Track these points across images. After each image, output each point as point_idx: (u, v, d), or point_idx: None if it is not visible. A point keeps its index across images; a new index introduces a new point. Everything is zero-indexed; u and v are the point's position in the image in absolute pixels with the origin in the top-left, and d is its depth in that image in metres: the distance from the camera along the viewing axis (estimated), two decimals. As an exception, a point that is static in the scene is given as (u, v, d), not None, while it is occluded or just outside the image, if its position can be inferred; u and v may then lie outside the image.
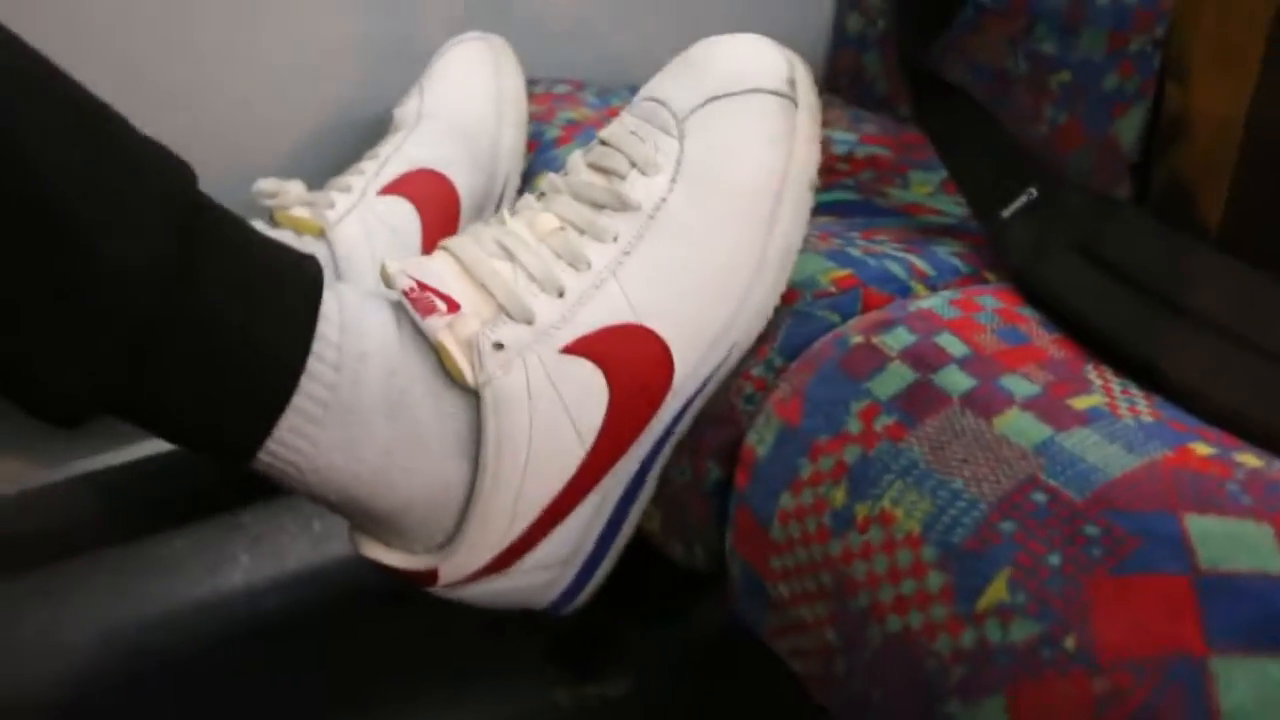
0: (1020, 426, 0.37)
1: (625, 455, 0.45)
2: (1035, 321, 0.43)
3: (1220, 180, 0.42)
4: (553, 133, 0.68)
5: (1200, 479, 0.34)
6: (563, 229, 0.44)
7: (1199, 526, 0.32)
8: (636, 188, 0.44)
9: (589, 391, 0.42)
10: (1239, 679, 0.28)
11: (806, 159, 0.46)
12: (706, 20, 0.85)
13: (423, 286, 0.42)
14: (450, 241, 0.44)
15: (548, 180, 0.46)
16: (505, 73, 0.67)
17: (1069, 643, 0.31)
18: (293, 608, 0.76)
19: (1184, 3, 0.43)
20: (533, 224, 0.44)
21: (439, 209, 0.59)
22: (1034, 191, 0.49)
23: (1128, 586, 0.31)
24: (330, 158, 0.72)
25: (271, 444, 0.40)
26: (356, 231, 0.57)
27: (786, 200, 0.45)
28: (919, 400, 0.39)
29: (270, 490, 0.47)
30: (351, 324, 0.41)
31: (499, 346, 0.41)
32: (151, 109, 0.66)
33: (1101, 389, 0.39)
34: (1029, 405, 0.38)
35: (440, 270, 0.42)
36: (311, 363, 0.40)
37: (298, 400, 0.40)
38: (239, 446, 0.41)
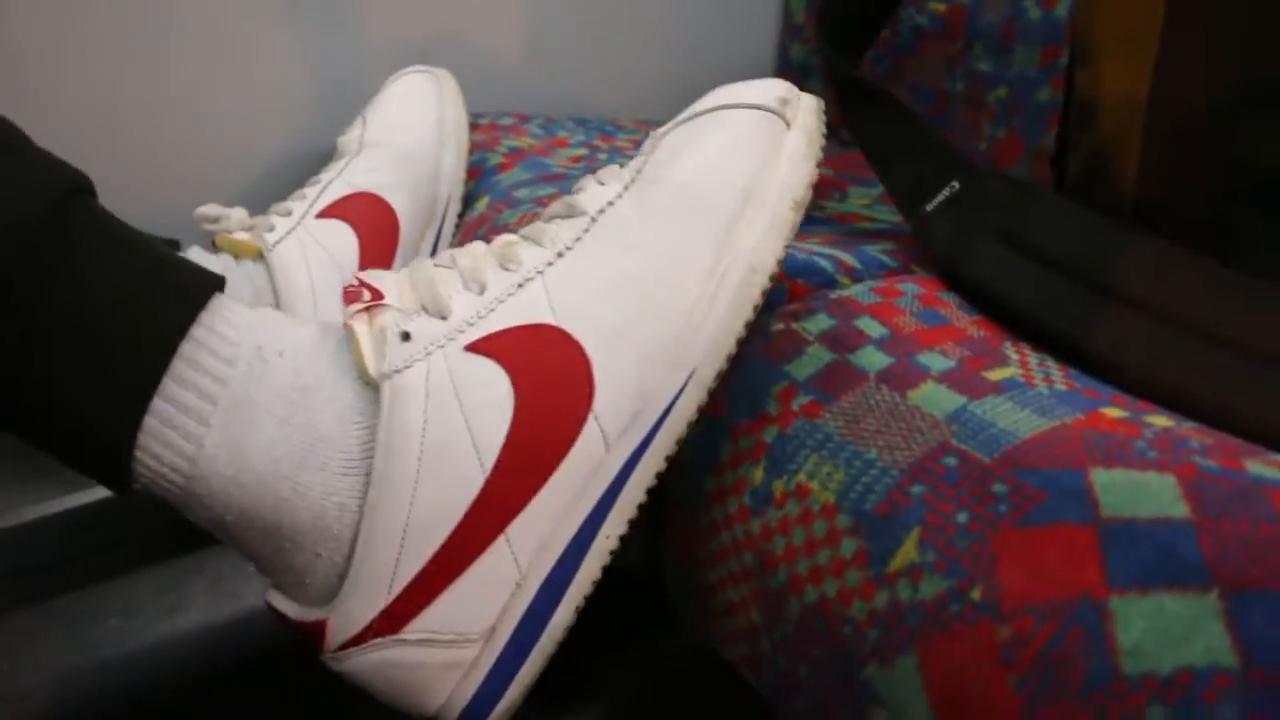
0: (934, 398, 0.37)
1: (538, 500, 0.39)
2: (955, 305, 0.44)
3: (1129, 158, 0.42)
4: (495, 159, 0.69)
5: (1109, 438, 0.34)
6: (515, 243, 0.42)
7: (1104, 478, 0.32)
8: (587, 195, 0.42)
9: (491, 396, 0.38)
10: (1136, 616, 0.28)
11: (791, 176, 0.42)
12: (653, 49, 0.88)
13: (361, 282, 0.40)
14: (414, 260, 0.43)
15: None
16: (447, 101, 0.68)
17: (975, 594, 0.31)
18: (252, 649, 0.75)
19: (1085, -11, 0.44)
20: (494, 241, 0.42)
21: (377, 231, 0.60)
22: (956, 185, 0.49)
23: (1032, 537, 0.31)
24: (281, 190, 0.73)
25: (149, 441, 0.36)
26: (294, 252, 0.57)
27: (757, 213, 0.41)
28: (835, 379, 0.39)
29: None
30: (259, 325, 0.39)
31: (406, 337, 0.38)
32: (111, 147, 0.68)
33: (1018, 362, 0.40)
34: (943, 378, 0.38)
35: (385, 275, 0.41)
36: (200, 354, 0.37)
37: (179, 393, 0.36)
38: (110, 442, 0.37)
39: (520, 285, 0.40)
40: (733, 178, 0.41)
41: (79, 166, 0.44)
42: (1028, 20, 0.75)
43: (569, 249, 0.40)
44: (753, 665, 0.39)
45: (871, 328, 0.41)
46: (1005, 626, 0.30)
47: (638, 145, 0.78)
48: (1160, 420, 0.35)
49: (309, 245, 0.57)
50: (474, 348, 0.38)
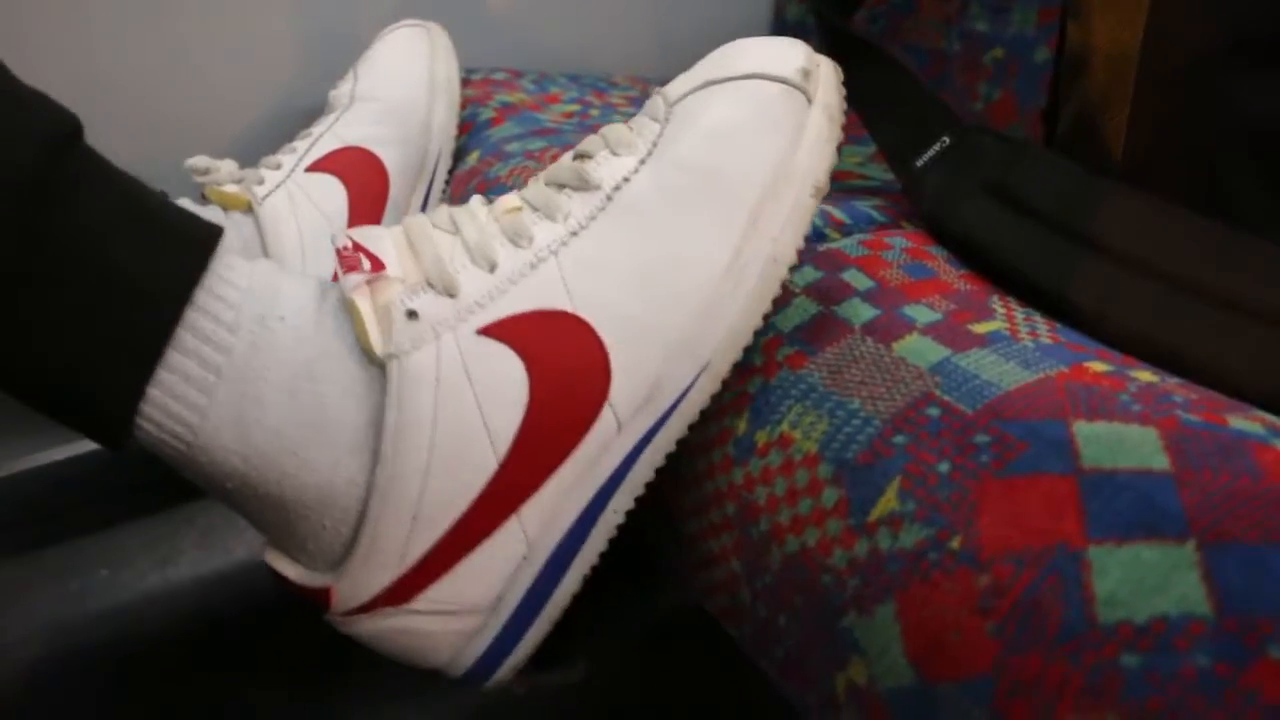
0: (919, 349, 0.37)
1: (551, 483, 0.38)
2: (943, 258, 0.44)
3: (1119, 111, 0.42)
4: (487, 114, 0.69)
5: (1092, 390, 0.34)
6: (520, 209, 0.40)
7: (1086, 430, 0.32)
8: (601, 167, 0.40)
9: (505, 384, 0.37)
10: (1113, 565, 0.28)
11: (813, 160, 0.40)
12: (648, 5, 0.87)
13: (357, 247, 0.38)
14: (410, 217, 0.41)
15: (535, 174, 0.43)
16: (439, 55, 0.67)
17: (955, 543, 0.31)
18: (243, 603, 0.76)
19: (1076, -61, 0.44)
20: (495, 204, 0.40)
21: (367, 185, 0.60)
22: (946, 139, 0.49)
23: (1012, 486, 0.31)
24: (271, 142, 0.72)
25: (151, 410, 0.36)
26: (283, 205, 0.57)
27: (779, 201, 0.39)
28: (820, 330, 0.39)
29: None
30: (259, 288, 0.37)
31: (413, 315, 0.36)
32: (104, 100, 0.67)
33: (1004, 316, 0.39)
34: (929, 330, 0.38)
35: (382, 235, 0.39)
36: (203, 321, 0.36)
37: (182, 362, 0.35)
38: (111, 409, 0.36)
39: (533, 266, 0.38)
40: (756, 164, 0.39)
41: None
42: (1026, -21, 0.74)
43: (583, 228, 0.39)
44: (733, 616, 0.39)
45: (858, 280, 0.41)
46: (984, 575, 0.30)
47: (634, 102, 0.77)
48: (1145, 375, 0.35)
49: (298, 199, 0.57)
50: (487, 331, 0.37)
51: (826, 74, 0.41)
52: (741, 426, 0.39)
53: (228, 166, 0.59)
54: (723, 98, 0.40)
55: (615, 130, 0.41)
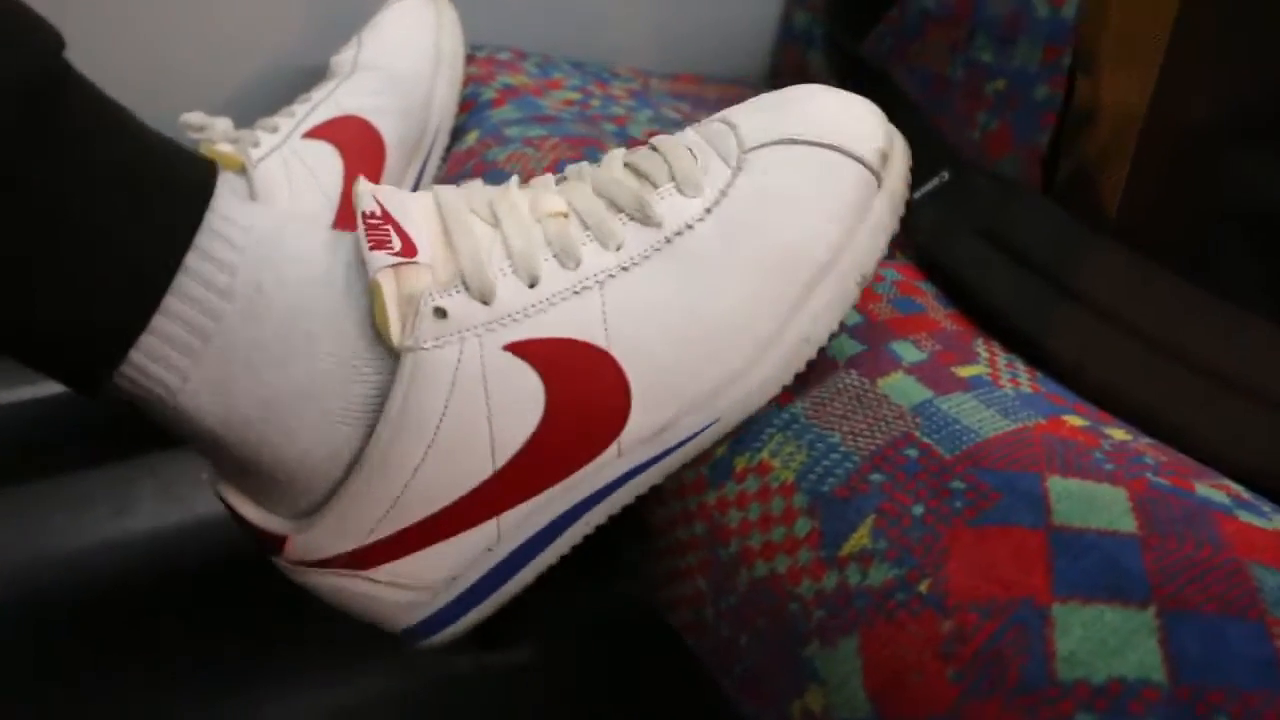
0: (902, 388, 0.38)
1: (540, 498, 0.38)
2: (932, 295, 0.44)
3: (1119, 169, 0.43)
4: (488, 94, 0.68)
5: (1068, 445, 0.35)
6: (567, 216, 0.38)
7: (1060, 486, 0.33)
8: (665, 203, 0.38)
9: (521, 402, 0.36)
10: (1075, 624, 0.29)
11: (868, 250, 0.39)
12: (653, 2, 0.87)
13: (386, 216, 0.36)
14: (440, 187, 0.39)
15: (575, 167, 0.41)
16: (445, 30, 0.67)
17: (923, 586, 0.31)
18: (200, 557, 0.75)
19: (1094, -5, 0.44)
20: (536, 200, 0.38)
21: (363, 156, 0.59)
22: (946, 175, 0.50)
23: (984, 536, 0.32)
24: (269, 103, 0.71)
25: (130, 370, 0.34)
26: (277, 170, 0.56)
27: (827, 285, 0.38)
28: (806, 366, 0.40)
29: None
30: (258, 247, 0.35)
31: (441, 314, 0.35)
32: (99, 48, 0.66)
33: (987, 360, 0.40)
34: (913, 370, 0.39)
35: (414, 208, 0.37)
36: (194, 286, 0.34)
37: (170, 327, 0.34)
38: (89, 369, 0.35)
39: (576, 292, 0.36)
40: (819, 244, 0.38)
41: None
42: (1034, 16, 0.74)
43: (635, 264, 0.37)
44: (695, 631, 0.40)
45: (847, 314, 0.42)
46: (948, 620, 0.30)
47: (635, 95, 0.77)
48: (1119, 433, 0.36)
49: (293, 165, 0.56)
50: (515, 348, 0.36)
51: (899, 157, 0.40)
52: (720, 450, 0.39)
53: (222, 124, 0.59)
54: (801, 165, 0.38)
55: (683, 162, 0.39)
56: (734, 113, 0.41)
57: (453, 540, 0.38)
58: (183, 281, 0.34)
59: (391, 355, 0.35)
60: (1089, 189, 0.44)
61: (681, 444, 0.39)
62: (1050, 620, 0.29)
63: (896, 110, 0.53)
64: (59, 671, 0.66)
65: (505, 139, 0.62)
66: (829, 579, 0.34)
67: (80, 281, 0.33)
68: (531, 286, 0.36)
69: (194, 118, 0.58)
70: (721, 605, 0.38)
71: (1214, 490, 0.33)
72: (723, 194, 0.38)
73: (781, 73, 0.94)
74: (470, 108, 0.68)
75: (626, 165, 0.40)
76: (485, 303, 0.35)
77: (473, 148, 0.63)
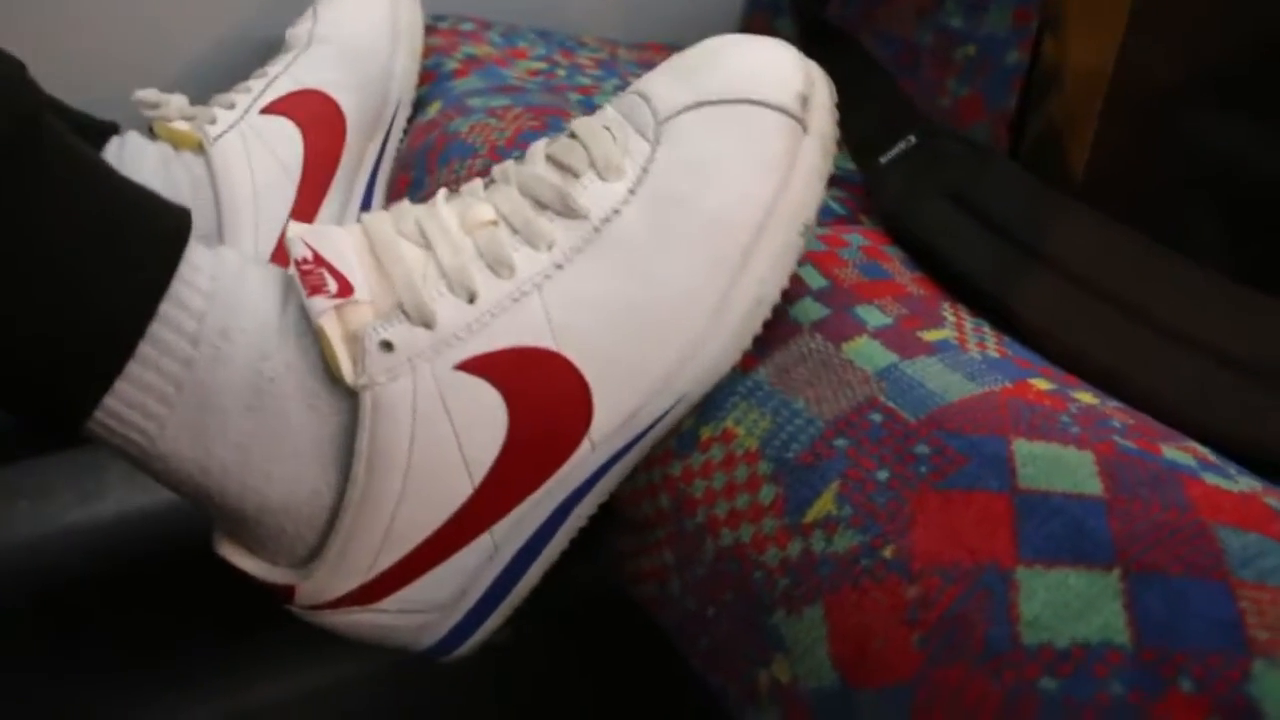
0: (867, 353, 0.37)
1: (526, 503, 0.38)
2: (899, 260, 0.44)
3: (1085, 130, 0.42)
4: (451, 65, 0.67)
5: (1034, 409, 0.34)
6: (496, 224, 0.37)
7: (1025, 450, 0.32)
8: (588, 191, 0.37)
9: (484, 417, 0.36)
10: (1040, 588, 0.28)
11: (804, 197, 0.38)
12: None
13: (319, 259, 0.36)
14: (369, 215, 0.38)
15: (500, 167, 0.40)
16: (403, 1, 0.66)
17: (887, 552, 0.31)
18: (168, 544, 0.74)
19: (1059, -46, 0.44)
20: (465, 212, 0.38)
21: (324, 131, 0.58)
22: (912, 139, 0.49)
23: (949, 500, 0.31)
24: (222, 78, 0.70)
25: (105, 417, 0.34)
26: (236, 148, 0.55)
27: (767, 242, 0.38)
28: (770, 327, 0.39)
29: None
30: (223, 294, 0.36)
31: (387, 346, 0.35)
32: (47, 23, 0.65)
33: (954, 324, 0.40)
34: (879, 334, 0.38)
35: (344, 245, 0.36)
36: (165, 333, 0.34)
37: (144, 374, 0.34)
38: (62, 419, 0.35)
39: (515, 299, 0.36)
40: (750, 205, 0.37)
41: (13, 43, 0.41)
42: (1003, -21, 0.74)
43: (569, 260, 0.37)
44: (660, 605, 0.40)
45: (812, 277, 0.41)
46: (913, 585, 0.30)
47: (601, 65, 0.76)
48: (1085, 396, 0.36)
49: (252, 142, 0.55)
50: (466, 366, 0.36)
51: (822, 98, 0.39)
52: (687, 421, 0.39)
53: (177, 101, 0.58)
54: (718, 126, 0.38)
55: (601, 144, 0.38)
56: (647, 81, 0.40)
57: (451, 560, 0.39)
58: (156, 329, 0.34)
59: (351, 394, 0.35)
60: (1056, 151, 0.44)
61: (652, 426, 0.38)
62: (1015, 584, 0.29)
63: (865, 74, 0.52)
64: (24, 661, 0.65)
65: (468, 109, 0.61)
66: (793, 546, 0.33)
67: (57, 328, 0.33)
68: (471, 302, 0.36)
69: (148, 94, 0.57)
70: (687, 577, 0.38)
71: (1180, 453, 0.33)
72: (644, 171, 0.38)
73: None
74: (432, 79, 0.67)
75: (548, 159, 0.39)
76: (428, 327, 0.35)
77: (435, 119, 0.62)
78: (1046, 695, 0.27)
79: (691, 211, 0.37)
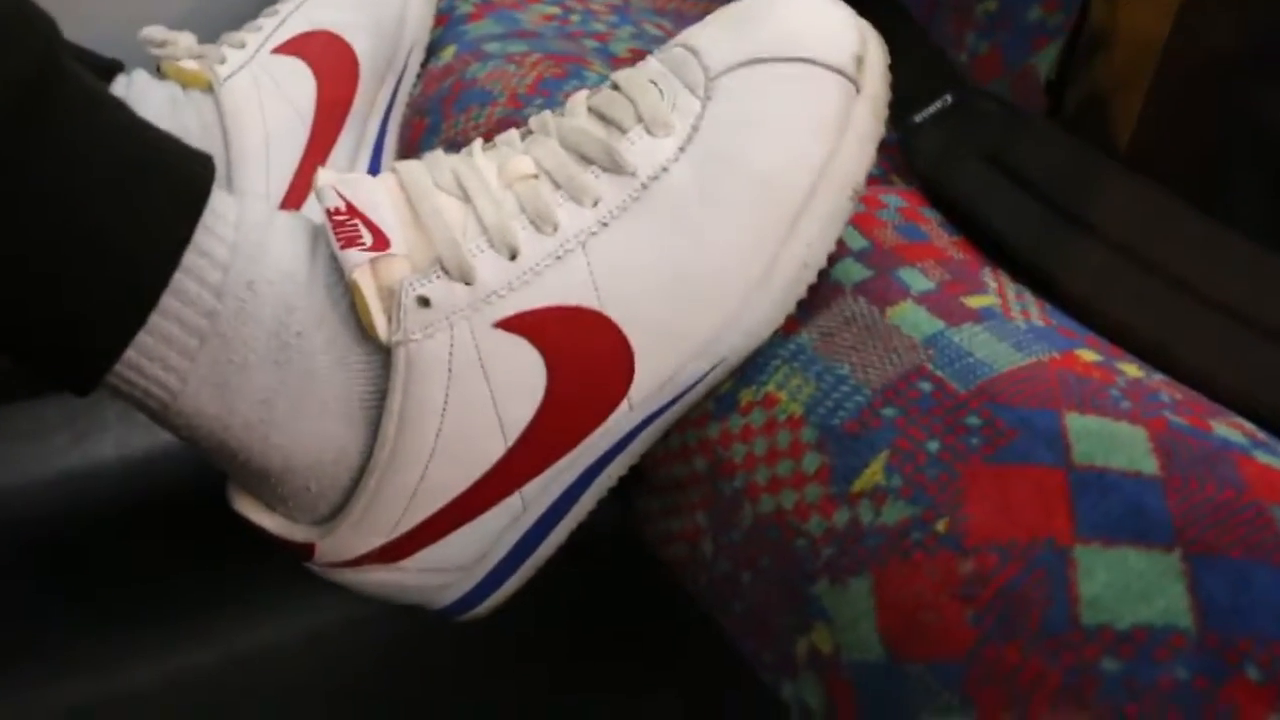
0: (913, 319, 0.37)
1: (559, 464, 0.38)
2: (936, 222, 0.43)
3: (1134, 98, 0.41)
4: (465, 8, 0.66)
5: (1083, 381, 0.34)
6: (537, 177, 0.36)
7: (1078, 424, 0.32)
8: (636, 147, 0.36)
9: (523, 377, 0.35)
10: (1099, 567, 0.28)
11: (855, 161, 0.38)
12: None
13: (352, 210, 0.35)
14: (403, 164, 0.37)
15: (538, 118, 0.39)
16: (418, -60, 0.64)
17: (940, 525, 0.31)
18: (169, 486, 0.73)
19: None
20: (504, 164, 0.37)
21: (336, 73, 0.57)
22: (949, 98, 0.48)
23: (1003, 475, 0.31)
24: (234, 15, 0.68)
25: (126, 370, 0.34)
26: (247, 88, 0.54)
27: (817, 205, 0.37)
28: (813, 290, 0.38)
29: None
30: (247, 245, 0.35)
31: (424, 303, 0.34)
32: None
33: (996, 291, 0.39)
34: (923, 299, 0.37)
35: (379, 195, 0.35)
36: (188, 284, 0.33)
37: (166, 326, 0.33)
38: (81, 371, 0.34)
39: (559, 257, 0.35)
40: (802, 167, 0.37)
41: None
42: (1028, -67, 0.72)
43: (614, 218, 0.36)
44: (690, 567, 0.39)
45: (853, 239, 0.40)
46: (967, 561, 0.30)
47: (615, 10, 0.74)
48: (1132, 369, 0.35)
49: (264, 83, 0.54)
50: (506, 324, 0.35)
51: (875, 59, 0.38)
52: (726, 384, 0.38)
53: (185, 40, 0.56)
54: (772, 86, 0.37)
55: (649, 98, 0.37)
56: (695, 34, 0.39)
57: (478, 520, 0.38)
58: (179, 279, 0.33)
59: (383, 350, 0.35)
60: (1100, 118, 0.43)
61: (692, 387, 0.38)
62: (1073, 562, 0.28)
63: (899, 29, 0.51)
64: (20, 604, 0.65)
65: (485, 55, 0.59)
66: (839, 516, 0.33)
67: (77, 277, 0.32)
68: (512, 259, 0.35)
69: (154, 32, 0.55)
70: (722, 541, 0.37)
71: (1231, 430, 0.32)
72: (694, 129, 0.37)
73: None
74: (445, 21, 0.65)
75: (591, 110, 0.38)
76: (467, 283, 0.34)
77: (450, 64, 0.61)
78: (1108, 677, 0.26)
79: (742, 172, 0.36)
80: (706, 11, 0.82)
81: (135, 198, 0.33)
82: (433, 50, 0.64)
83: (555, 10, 0.70)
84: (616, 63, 0.61)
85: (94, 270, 0.33)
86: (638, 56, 0.63)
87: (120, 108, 0.35)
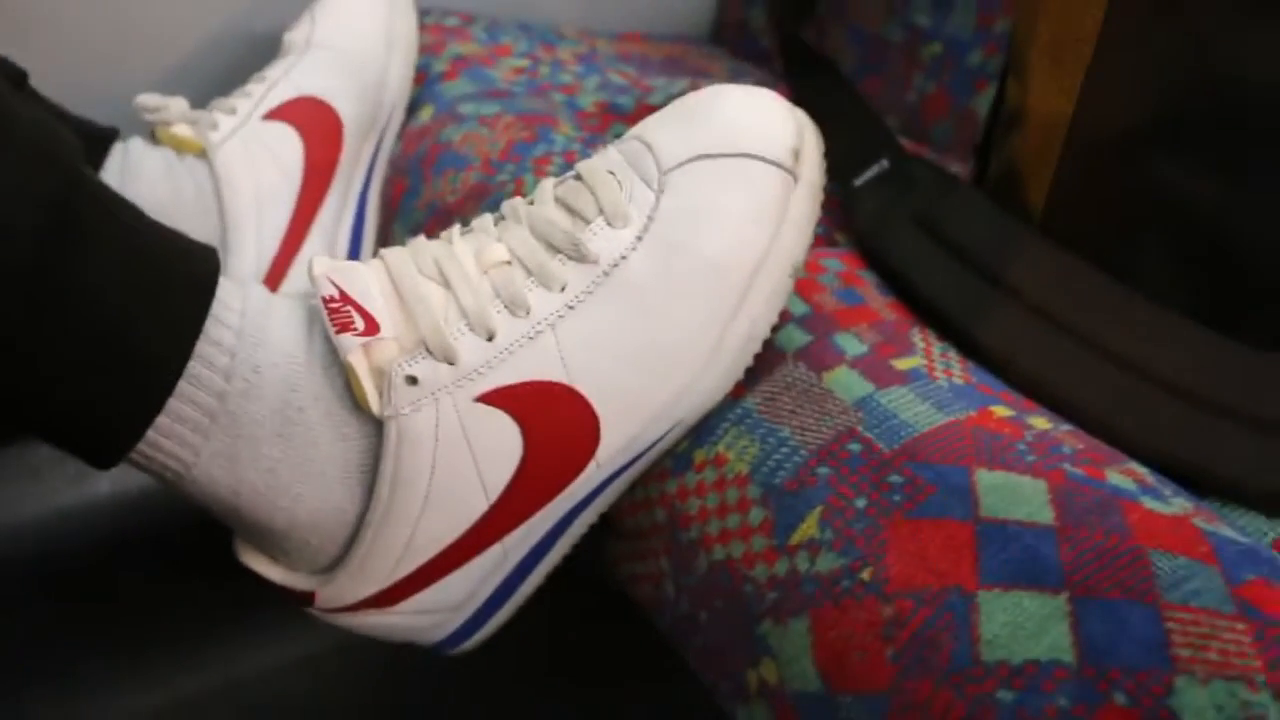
0: (846, 382, 0.41)
1: (535, 516, 0.42)
2: (872, 284, 0.47)
3: (1046, 170, 0.46)
4: (440, 67, 0.70)
5: (995, 437, 0.38)
6: (510, 264, 0.40)
7: (987, 480, 0.36)
8: (598, 238, 0.40)
9: (500, 446, 0.39)
10: (998, 610, 0.32)
11: (794, 242, 0.42)
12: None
13: (345, 298, 0.38)
14: (389, 251, 0.41)
15: (510, 204, 0.43)
16: (398, 8, 0.68)
17: (865, 574, 0.35)
18: (158, 517, 0.75)
19: (1024, 4, 0.47)
20: (480, 251, 0.40)
21: (322, 136, 0.61)
22: (885, 163, 0.52)
23: (919, 528, 0.35)
24: (216, 75, 0.72)
25: (145, 448, 0.37)
26: (239, 154, 0.58)
27: (760, 285, 0.41)
28: (757, 359, 0.43)
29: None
30: (252, 330, 0.39)
31: (412, 381, 0.38)
32: (40, 20, 0.66)
33: (923, 351, 0.43)
34: (856, 363, 0.42)
35: (369, 283, 0.39)
36: (200, 369, 0.37)
37: (181, 408, 0.37)
38: (104, 450, 0.38)
39: (530, 338, 0.39)
40: (746, 251, 0.41)
41: (16, 48, 0.41)
42: (969, -18, 0.77)
43: (580, 301, 0.39)
44: (655, 605, 0.44)
45: (795, 304, 0.45)
46: (888, 606, 0.34)
47: (581, 59, 0.78)
48: (1040, 421, 0.40)
49: (254, 149, 0.58)
50: (485, 398, 0.39)
51: (811, 149, 0.42)
52: (683, 443, 0.43)
53: (177, 105, 0.59)
54: (717, 178, 0.41)
55: (609, 191, 0.41)
56: (649, 129, 0.43)
57: (465, 568, 0.42)
58: (192, 365, 0.37)
59: (375, 422, 0.39)
60: (1017, 190, 0.47)
61: (651, 447, 0.42)
62: (976, 607, 0.33)
63: (840, 96, 0.56)
64: (22, 636, 0.67)
65: (460, 117, 0.64)
66: (780, 565, 0.37)
67: (103, 367, 0.36)
68: (489, 340, 0.39)
69: (149, 99, 0.59)
70: (682, 583, 0.42)
71: (1123, 477, 0.37)
72: (650, 219, 0.40)
73: (723, 29, 0.95)
74: (422, 79, 0.69)
75: (557, 200, 0.42)
76: (450, 363, 0.38)
77: (427, 125, 0.65)
78: (1003, 706, 0.31)
79: (693, 257, 0.40)
80: (669, 55, 0.87)
81: (152, 294, 0.37)
82: (412, 109, 0.68)
83: (524, 63, 0.75)
84: (582, 117, 0.65)
85: (118, 360, 0.36)
86: (602, 109, 0.67)
87: (132, 208, 0.39)
